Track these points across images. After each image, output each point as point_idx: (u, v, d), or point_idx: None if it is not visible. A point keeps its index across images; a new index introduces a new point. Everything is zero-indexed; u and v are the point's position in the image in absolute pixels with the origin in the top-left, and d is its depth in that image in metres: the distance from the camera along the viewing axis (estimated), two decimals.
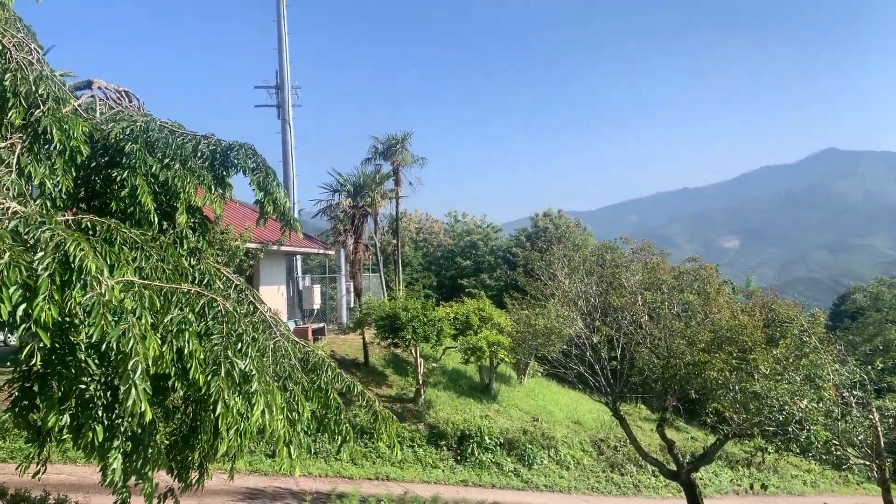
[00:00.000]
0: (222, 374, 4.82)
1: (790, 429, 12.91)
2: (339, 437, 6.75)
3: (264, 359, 5.84)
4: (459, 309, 30.31)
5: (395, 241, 41.95)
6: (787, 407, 12.88)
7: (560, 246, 24.04)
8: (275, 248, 28.02)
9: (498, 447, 23.66)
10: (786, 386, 13.97)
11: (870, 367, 14.62)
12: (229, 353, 4.98)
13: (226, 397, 4.74)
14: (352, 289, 36.36)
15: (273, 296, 29.93)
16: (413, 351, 25.54)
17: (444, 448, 23.12)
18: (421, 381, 25.20)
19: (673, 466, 20.08)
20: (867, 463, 13.31)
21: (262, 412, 5.00)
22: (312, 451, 20.29)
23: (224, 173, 6.85)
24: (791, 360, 15.81)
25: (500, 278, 46.90)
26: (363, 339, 27.99)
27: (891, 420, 13.56)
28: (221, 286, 6.44)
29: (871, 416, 13.40)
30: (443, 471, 21.93)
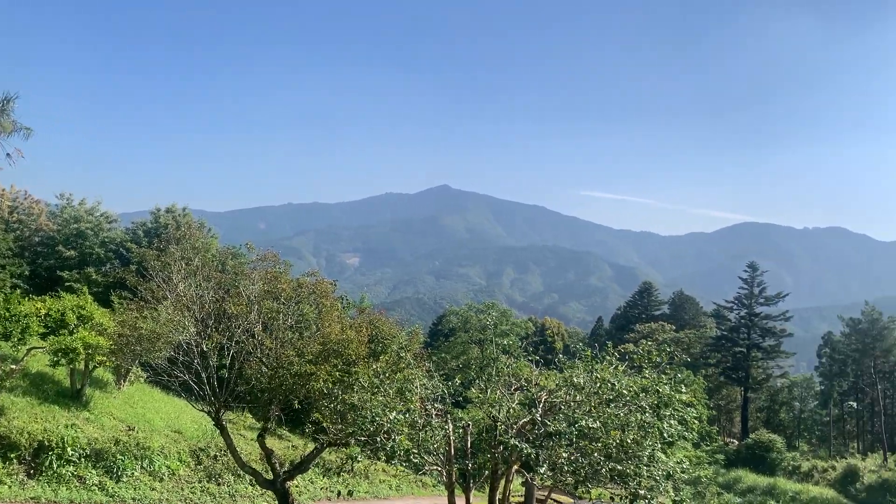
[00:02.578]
0: None
1: (379, 438, 13.97)
2: None
3: None
4: (54, 304, 27.04)
5: None
6: (377, 418, 13.90)
7: (179, 246, 22.83)
8: None
9: (83, 459, 21.47)
10: (380, 398, 15.10)
11: (450, 382, 16.56)
12: None
13: None
14: None
15: None
16: None
17: (15, 461, 20.23)
18: None
19: (270, 475, 20.30)
20: (439, 468, 15.01)
21: None
22: None
23: None
24: (388, 374, 17.18)
25: (110, 275, 42.89)
26: None
27: (461, 430, 15.51)
28: None
29: (446, 427, 15.18)
30: (10, 487, 19.18)
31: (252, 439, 28.45)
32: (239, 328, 19.73)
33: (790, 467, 63.26)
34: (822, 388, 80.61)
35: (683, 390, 14.14)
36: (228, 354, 19.93)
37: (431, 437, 14.92)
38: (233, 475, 25.25)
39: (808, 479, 60.66)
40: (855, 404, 79.81)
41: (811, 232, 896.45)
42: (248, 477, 24.06)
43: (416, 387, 15.76)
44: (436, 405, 15.76)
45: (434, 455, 14.95)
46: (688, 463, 15.32)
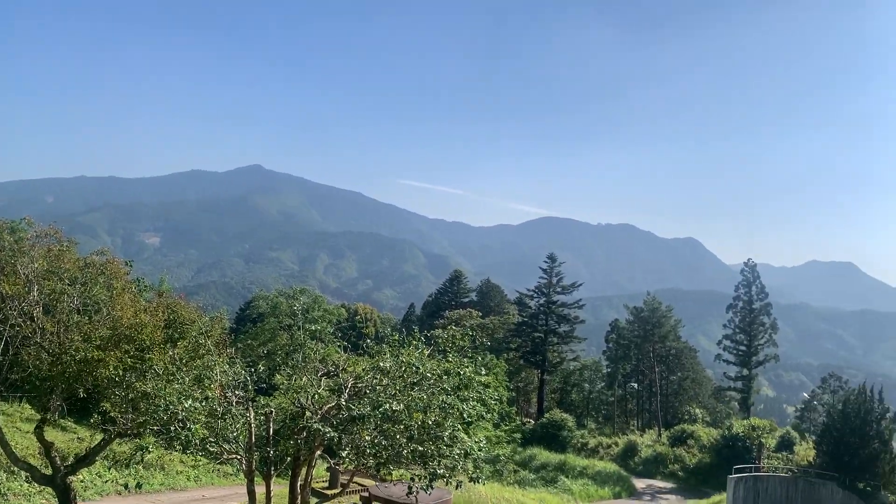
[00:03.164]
0: None
1: (173, 428, 13.25)
2: None
3: None
4: None
5: None
6: (172, 407, 13.17)
7: None
8: None
9: None
10: (176, 386, 14.32)
11: (254, 368, 16.06)
12: None
13: None
14: None
15: None
16: None
17: None
18: None
19: (49, 470, 18.60)
20: (238, 456, 14.54)
21: None
22: None
23: None
24: (185, 361, 16.34)
25: None
26: None
27: (263, 417, 15.10)
28: None
29: (247, 414, 14.72)
30: None
31: (29, 432, 25.92)
32: (15, 311, 17.81)
33: (579, 444, 68.49)
34: (609, 370, 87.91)
35: (483, 372, 14.75)
36: (2, 340, 17.95)
37: (231, 425, 14.44)
38: (5, 472, 22.87)
39: (595, 454, 66.06)
40: (636, 385, 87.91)
41: (604, 228, 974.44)
42: (23, 473, 21.90)
43: (217, 374, 15.12)
44: (237, 392, 15.23)
45: (233, 443, 14.47)
46: (486, 442, 16.00)
